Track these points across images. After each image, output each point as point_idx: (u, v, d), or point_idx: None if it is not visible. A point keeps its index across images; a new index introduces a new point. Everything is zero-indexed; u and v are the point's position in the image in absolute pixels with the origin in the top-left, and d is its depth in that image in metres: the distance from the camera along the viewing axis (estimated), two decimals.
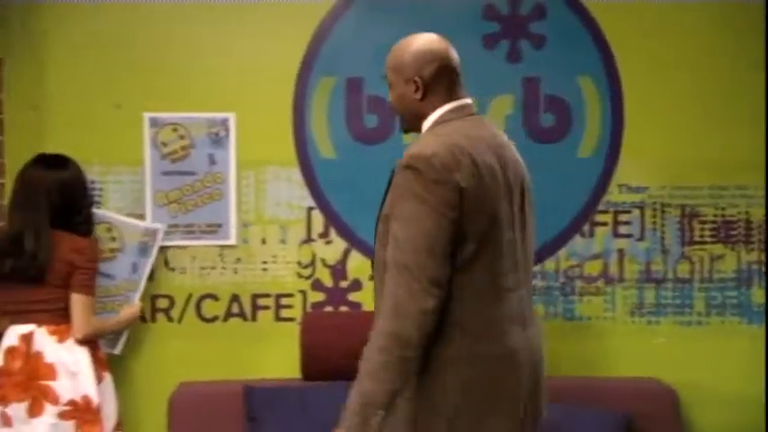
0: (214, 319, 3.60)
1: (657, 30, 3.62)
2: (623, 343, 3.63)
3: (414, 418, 2.21)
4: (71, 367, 3.07)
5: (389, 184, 2.29)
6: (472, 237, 2.17)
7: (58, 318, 3.11)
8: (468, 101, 2.37)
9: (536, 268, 3.62)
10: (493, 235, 2.21)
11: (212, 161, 3.58)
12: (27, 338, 3.06)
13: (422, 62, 2.30)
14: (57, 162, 3.21)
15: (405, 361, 2.13)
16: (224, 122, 3.57)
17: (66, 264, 3.10)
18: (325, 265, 3.62)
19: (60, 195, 3.13)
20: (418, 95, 2.30)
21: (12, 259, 3.06)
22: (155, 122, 3.56)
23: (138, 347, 3.55)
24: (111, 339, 3.43)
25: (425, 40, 2.34)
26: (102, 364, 3.22)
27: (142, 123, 3.54)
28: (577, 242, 3.64)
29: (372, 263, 2.34)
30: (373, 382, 2.11)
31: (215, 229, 3.58)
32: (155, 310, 3.58)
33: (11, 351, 3.06)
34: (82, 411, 3.04)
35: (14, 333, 3.08)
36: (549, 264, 3.63)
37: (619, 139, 3.63)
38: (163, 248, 3.56)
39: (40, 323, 3.09)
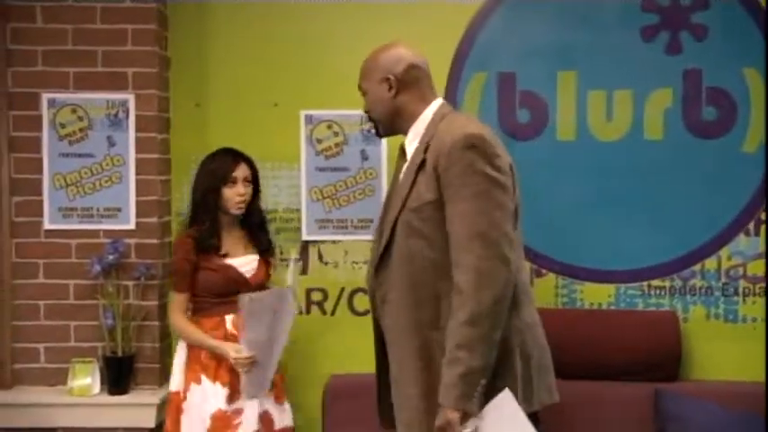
0: (366, 312, 3.65)
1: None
2: None
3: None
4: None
5: (394, 177, 2.50)
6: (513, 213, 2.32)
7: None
8: None
9: (695, 267, 3.50)
10: (516, 215, 2.35)
11: (364, 157, 3.63)
12: None
13: (390, 62, 2.49)
14: None
15: (497, 331, 2.21)
16: None
17: None
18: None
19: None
20: (392, 93, 2.46)
21: None
22: (310, 120, 3.65)
23: (293, 339, 3.64)
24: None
25: (390, 46, 2.56)
26: (205, 368, 3.12)
27: (298, 121, 3.64)
28: (741, 241, 3.48)
29: (380, 261, 2.40)
30: (472, 355, 2.17)
31: (366, 224, 3.63)
32: (309, 303, 3.67)
33: None
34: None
35: None
36: (710, 263, 3.49)
37: None
38: (316, 243, 3.65)
39: None
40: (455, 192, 2.24)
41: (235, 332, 3.11)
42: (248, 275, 3.20)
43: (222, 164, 3.17)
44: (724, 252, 3.49)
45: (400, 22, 3.59)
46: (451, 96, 3.59)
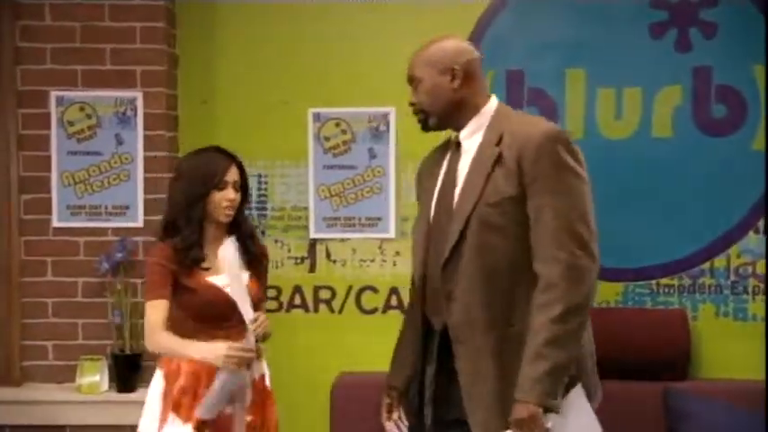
0: (373, 311, 3.65)
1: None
2: None
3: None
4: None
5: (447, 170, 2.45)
6: None
7: None
8: None
9: (705, 266, 3.48)
10: None
11: (372, 155, 3.63)
12: None
13: (454, 53, 2.45)
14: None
15: (583, 326, 2.23)
16: (385, 116, 3.61)
17: None
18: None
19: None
20: (455, 84, 2.42)
21: None
22: (318, 117, 3.64)
23: (301, 337, 3.65)
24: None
25: (448, 37, 2.51)
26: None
27: (306, 118, 3.63)
28: (750, 239, 3.46)
29: (452, 252, 2.32)
30: (560, 350, 2.17)
31: (375, 222, 3.63)
32: (317, 301, 3.67)
33: None
34: None
35: None
36: (720, 261, 3.47)
37: None
38: (324, 240, 3.65)
39: None
40: (543, 186, 2.24)
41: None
42: None
43: (214, 165, 2.73)
44: (733, 250, 3.47)
45: (409, 21, 3.58)
46: None
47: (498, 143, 2.33)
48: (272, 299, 3.66)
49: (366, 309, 3.66)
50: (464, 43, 2.53)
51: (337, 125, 3.64)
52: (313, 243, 3.67)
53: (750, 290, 3.47)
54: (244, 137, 3.63)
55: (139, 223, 3.52)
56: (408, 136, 3.58)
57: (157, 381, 2.76)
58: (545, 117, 3.45)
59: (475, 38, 3.56)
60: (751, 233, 3.46)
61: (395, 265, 3.63)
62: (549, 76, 3.53)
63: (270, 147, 3.66)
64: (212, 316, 2.69)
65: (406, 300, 3.60)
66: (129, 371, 3.45)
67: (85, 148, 3.53)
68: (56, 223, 3.53)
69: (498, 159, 2.30)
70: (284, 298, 3.68)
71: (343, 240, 3.65)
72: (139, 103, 3.50)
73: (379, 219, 3.62)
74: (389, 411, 2.65)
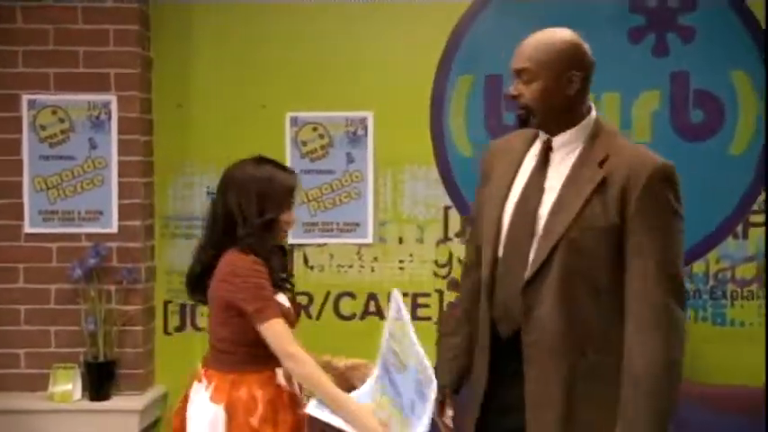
0: (351, 316, 3.62)
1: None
2: None
3: None
4: None
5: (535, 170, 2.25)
6: None
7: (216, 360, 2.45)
8: None
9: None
10: None
11: (350, 160, 3.60)
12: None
13: (580, 56, 2.21)
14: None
15: (681, 377, 2.14)
16: (362, 121, 3.59)
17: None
18: (461, 264, 3.57)
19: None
20: (571, 91, 2.21)
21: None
22: (295, 122, 3.61)
23: None
24: None
25: (573, 35, 2.25)
26: None
27: (284, 123, 3.60)
28: (729, 244, 3.47)
29: (537, 272, 2.20)
30: (670, 397, 2.10)
31: (352, 227, 3.60)
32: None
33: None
34: None
35: None
36: (699, 266, 3.48)
37: None
38: (301, 246, 3.61)
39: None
40: (648, 224, 2.13)
41: (288, 387, 2.44)
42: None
43: (290, 182, 2.47)
44: (712, 255, 3.48)
45: (387, 24, 3.57)
46: (438, 99, 3.56)
47: (601, 165, 2.18)
48: None
49: (344, 315, 3.63)
50: (584, 43, 2.27)
51: (315, 129, 3.61)
52: (290, 249, 3.63)
53: (728, 295, 3.48)
54: (220, 141, 3.59)
55: (113, 229, 3.47)
56: (386, 141, 3.57)
57: (208, 412, 2.36)
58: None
59: (453, 42, 3.54)
60: (730, 238, 3.47)
61: (373, 270, 3.61)
62: None
63: (246, 151, 3.49)
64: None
65: (384, 305, 3.59)
66: (102, 379, 3.39)
67: (58, 152, 3.47)
68: (28, 229, 3.47)
69: (601, 183, 2.16)
70: None
71: (320, 246, 3.62)
72: (113, 107, 3.45)
73: (356, 224, 3.59)
74: (442, 410, 2.58)
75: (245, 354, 2.38)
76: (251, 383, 2.37)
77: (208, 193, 3.62)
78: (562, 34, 2.23)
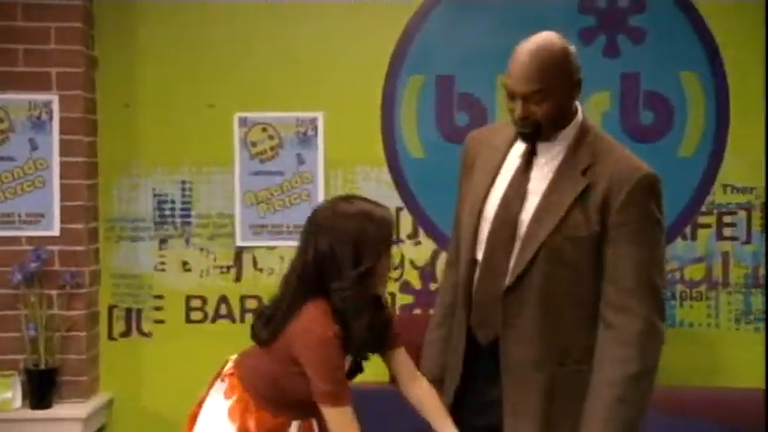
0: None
1: (764, 22, 3.43)
2: (728, 351, 3.47)
3: None
4: None
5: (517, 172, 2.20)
6: None
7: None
8: None
9: None
10: None
11: (300, 161, 3.55)
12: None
13: (575, 58, 2.15)
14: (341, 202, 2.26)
15: (653, 388, 2.14)
16: (313, 122, 3.54)
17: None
18: (414, 266, 3.55)
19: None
20: (577, 96, 2.17)
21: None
22: (244, 122, 3.55)
23: (227, 349, 3.52)
24: None
25: (561, 38, 2.15)
26: None
27: (232, 123, 3.54)
28: (678, 245, 3.48)
29: (517, 279, 2.16)
30: (638, 411, 2.09)
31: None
32: (244, 311, 3.57)
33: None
34: None
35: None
36: None
37: (723, 137, 3.46)
38: (251, 248, 3.56)
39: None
40: (630, 234, 2.09)
41: None
42: None
43: (382, 221, 2.20)
44: None
45: (337, 24, 3.53)
46: (389, 99, 3.53)
47: (585, 172, 2.14)
48: (196, 309, 3.56)
49: None
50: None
51: (264, 130, 3.56)
52: (239, 251, 3.58)
53: (678, 295, 3.49)
54: (167, 142, 3.55)
55: (55, 232, 3.38)
56: (337, 141, 3.53)
57: (223, 426, 2.25)
58: (476, 122, 3.46)
59: (403, 43, 3.51)
60: (679, 239, 3.48)
61: None
62: (480, 81, 3.50)
63: (194, 152, 3.56)
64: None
65: None
66: (44, 386, 3.30)
67: None
68: None
69: (583, 192, 2.12)
70: (209, 308, 3.58)
71: (270, 248, 3.57)
72: (55, 107, 3.37)
73: None
74: None
75: (276, 393, 2.23)
76: (263, 421, 2.23)
77: (155, 194, 3.57)
78: (557, 43, 2.13)
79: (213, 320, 3.58)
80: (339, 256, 2.13)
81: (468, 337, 2.29)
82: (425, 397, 2.32)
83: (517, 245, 2.16)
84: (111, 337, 3.57)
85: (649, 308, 2.08)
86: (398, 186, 3.55)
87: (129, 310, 3.57)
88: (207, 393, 2.37)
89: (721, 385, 3.40)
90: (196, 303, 3.57)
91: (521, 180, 2.20)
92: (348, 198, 2.29)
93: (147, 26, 3.54)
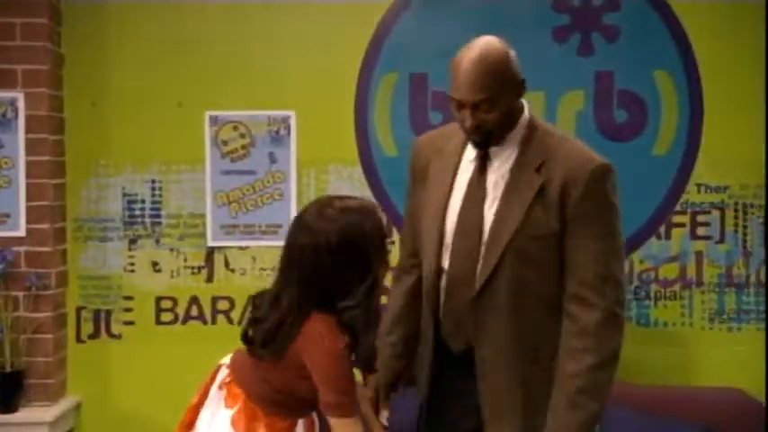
0: None
1: (739, 22, 3.43)
2: (702, 350, 3.46)
3: None
4: None
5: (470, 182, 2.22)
6: None
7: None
8: None
9: None
10: None
11: (273, 160, 3.51)
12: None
13: (517, 62, 2.18)
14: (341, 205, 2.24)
15: (614, 377, 2.15)
16: (285, 120, 3.50)
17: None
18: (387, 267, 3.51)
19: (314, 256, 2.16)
20: (521, 97, 2.21)
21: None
22: (215, 120, 3.50)
23: (198, 350, 3.49)
24: None
25: (502, 42, 2.18)
26: None
27: (203, 121, 3.49)
28: (653, 244, 3.47)
29: (485, 284, 2.17)
30: (594, 400, 2.10)
31: (275, 229, 3.50)
32: (215, 313, 3.53)
33: None
34: None
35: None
36: None
37: (697, 136, 3.45)
38: (222, 249, 3.51)
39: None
40: (589, 226, 2.12)
41: None
42: None
43: (381, 221, 2.24)
44: (636, 255, 3.47)
45: (310, 21, 3.49)
46: (362, 97, 3.50)
47: (539, 169, 2.16)
48: (166, 311, 3.51)
49: None
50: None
51: (235, 128, 3.51)
52: (210, 251, 3.53)
53: (652, 295, 3.48)
54: (137, 140, 3.50)
55: (21, 232, 3.32)
56: (309, 140, 3.50)
57: None
58: (449, 121, 3.41)
59: (377, 40, 3.48)
60: (653, 238, 3.47)
61: None
62: None
63: (164, 151, 3.51)
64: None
65: None
66: (10, 390, 3.25)
67: None
68: None
69: (540, 189, 2.14)
70: (180, 310, 3.53)
71: (242, 248, 3.52)
72: (21, 105, 3.31)
73: (279, 226, 3.48)
74: (377, 409, 2.49)
75: (284, 398, 2.24)
76: (273, 426, 2.23)
77: (124, 194, 3.51)
78: (497, 47, 2.15)
79: (184, 322, 3.53)
80: (347, 274, 2.14)
81: (436, 346, 2.30)
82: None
83: (482, 250, 2.18)
84: (79, 339, 3.51)
85: (608, 298, 2.10)
86: (372, 185, 3.52)
87: (97, 312, 3.51)
88: (201, 401, 2.35)
89: (695, 385, 3.40)
90: (166, 304, 3.52)
91: (477, 185, 2.22)
92: (339, 207, 2.20)
93: (116, 23, 3.48)
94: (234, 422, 2.23)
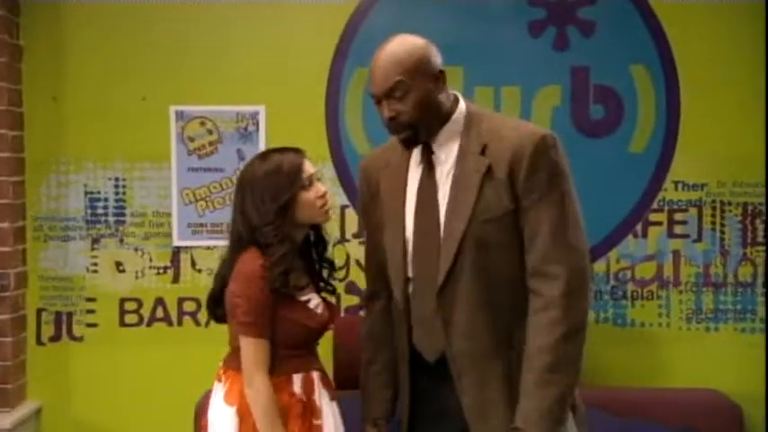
0: None
1: (716, 16, 3.39)
2: (679, 351, 3.42)
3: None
4: None
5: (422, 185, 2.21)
6: None
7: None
8: None
9: None
10: None
11: (241, 157, 3.42)
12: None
13: (434, 54, 2.20)
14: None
15: (584, 342, 2.11)
16: (253, 116, 3.41)
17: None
18: (360, 266, 3.43)
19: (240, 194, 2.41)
20: (441, 90, 2.20)
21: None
22: (181, 116, 3.40)
23: (164, 353, 3.41)
24: None
25: (415, 36, 2.21)
26: None
27: (168, 117, 3.39)
28: (629, 243, 3.42)
29: (447, 277, 2.13)
30: (565, 374, 2.06)
31: None
32: (181, 314, 3.44)
33: None
34: None
35: None
36: (599, 266, 3.41)
37: (674, 133, 3.41)
38: (189, 249, 3.42)
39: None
40: (539, 197, 2.09)
41: (303, 397, 2.38)
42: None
43: (291, 161, 2.38)
44: (612, 255, 3.42)
45: (279, 18, 3.41)
46: (333, 92, 3.42)
47: (483, 152, 2.14)
48: (131, 312, 3.42)
49: None
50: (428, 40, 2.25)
51: (202, 124, 3.41)
52: (176, 251, 3.44)
53: (629, 295, 3.43)
54: (99, 136, 3.40)
55: None
56: (279, 136, 3.38)
57: (222, 414, 2.36)
58: None
59: (347, 36, 3.40)
60: (630, 237, 3.42)
61: None
62: None
63: (128, 147, 3.41)
64: (303, 343, 2.41)
65: None
66: None
67: None
68: None
69: (487, 171, 2.12)
70: (145, 311, 3.44)
71: (209, 248, 3.43)
72: None
73: None
74: None
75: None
76: None
77: (86, 192, 3.40)
78: (409, 39, 2.20)
79: (149, 324, 3.43)
80: (260, 205, 2.32)
81: (411, 354, 2.27)
82: None
83: (442, 244, 2.15)
84: (39, 342, 3.41)
85: (568, 268, 2.07)
86: (343, 183, 3.44)
87: (58, 314, 3.41)
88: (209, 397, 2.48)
89: (672, 386, 3.35)
90: (131, 306, 3.42)
91: (428, 185, 2.22)
92: (262, 154, 2.48)
93: (77, 15, 3.38)
94: (225, 398, 2.35)
